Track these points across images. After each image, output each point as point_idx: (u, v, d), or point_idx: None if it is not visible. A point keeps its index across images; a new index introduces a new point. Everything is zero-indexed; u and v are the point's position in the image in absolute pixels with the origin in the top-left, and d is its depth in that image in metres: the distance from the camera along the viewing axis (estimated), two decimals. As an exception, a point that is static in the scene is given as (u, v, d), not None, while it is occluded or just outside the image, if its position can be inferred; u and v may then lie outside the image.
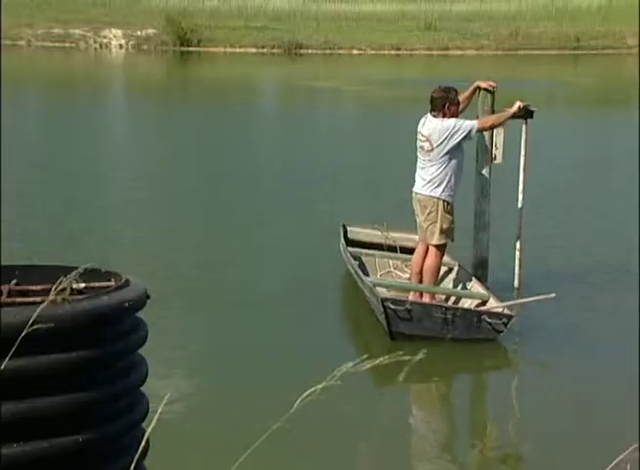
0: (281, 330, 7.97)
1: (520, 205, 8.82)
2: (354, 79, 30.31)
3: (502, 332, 7.48)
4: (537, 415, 6.55)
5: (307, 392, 2.55)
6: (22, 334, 2.74)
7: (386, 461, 5.76)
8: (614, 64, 39.19)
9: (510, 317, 7.48)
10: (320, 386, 2.53)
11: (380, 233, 9.50)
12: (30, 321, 2.77)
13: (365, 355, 2.60)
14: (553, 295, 7.74)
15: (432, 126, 7.88)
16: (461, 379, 7.52)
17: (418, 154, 8.03)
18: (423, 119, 8.05)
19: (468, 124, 7.95)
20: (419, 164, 8.03)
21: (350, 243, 9.36)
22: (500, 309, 7.61)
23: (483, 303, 7.88)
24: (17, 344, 2.77)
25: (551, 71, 35.41)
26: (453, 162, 7.91)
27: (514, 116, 8.36)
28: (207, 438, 5.90)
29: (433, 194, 7.90)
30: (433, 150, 7.86)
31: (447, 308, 7.60)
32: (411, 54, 40.71)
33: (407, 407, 6.87)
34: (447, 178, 7.88)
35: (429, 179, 7.91)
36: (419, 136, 7.99)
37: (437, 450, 6.19)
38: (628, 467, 3.16)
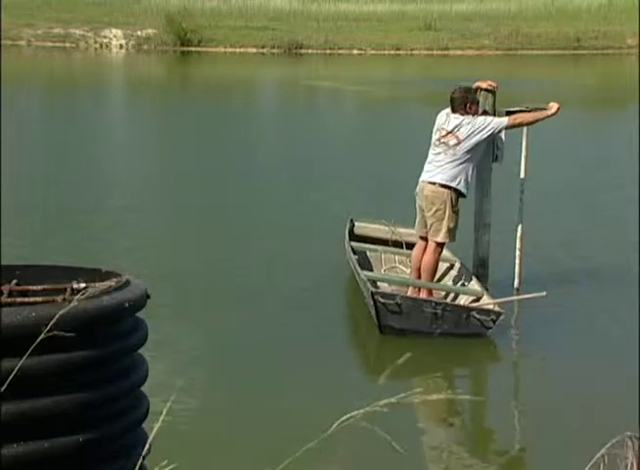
0: (281, 325, 8.00)
1: (520, 205, 8.82)
2: (354, 79, 30.31)
3: (490, 328, 7.52)
4: (534, 411, 6.56)
5: (345, 416, 2.55)
6: (28, 334, 2.74)
7: (386, 460, 5.76)
8: (614, 64, 39.20)
9: (499, 314, 7.52)
10: (362, 411, 2.54)
11: (387, 228, 9.52)
12: (33, 322, 2.77)
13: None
14: (544, 293, 7.80)
15: (459, 122, 7.92)
16: (456, 376, 7.54)
17: (436, 149, 8.02)
18: (444, 116, 8.07)
19: (498, 121, 8.03)
20: (434, 158, 8.02)
21: (357, 238, 9.39)
22: (491, 306, 7.65)
23: (478, 299, 7.92)
24: (16, 344, 2.77)
25: (551, 71, 35.42)
26: (474, 158, 7.99)
27: (549, 116, 8.33)
28: (201, 440, 5.90)
29: (449, 183, 7.90)
30: (459, 144, 7.88)
31: (437, 303, 7.62)
32: (411, 54, 40.72)
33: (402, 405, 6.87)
34: (465, 172, 7.94)
35: (446, 170, 7.92)
36: (440, 132, 8.00)
37: (438, 448, 6.19)
38: (606, 459, 3.15)
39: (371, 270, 8.86)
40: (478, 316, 7.51)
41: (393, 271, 9.07)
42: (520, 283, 8.80)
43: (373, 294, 7.50)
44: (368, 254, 9.22)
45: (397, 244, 9.34)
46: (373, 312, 7.61)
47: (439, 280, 8.69)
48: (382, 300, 7.48)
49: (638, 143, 15.75)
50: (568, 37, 42.47)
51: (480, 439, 6.46)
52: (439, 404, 6.93)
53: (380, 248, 9.28)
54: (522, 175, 8.81)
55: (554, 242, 10.58)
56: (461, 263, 8.75)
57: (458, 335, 7.53)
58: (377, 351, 7.81)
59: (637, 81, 25.65)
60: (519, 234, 8.82)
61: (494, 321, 7.50)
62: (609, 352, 7.61)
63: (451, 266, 8.80)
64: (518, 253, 8.81)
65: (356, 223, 9.70)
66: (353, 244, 9.10)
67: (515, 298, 8.18)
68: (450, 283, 8.63)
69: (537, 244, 9.95)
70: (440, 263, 8.75)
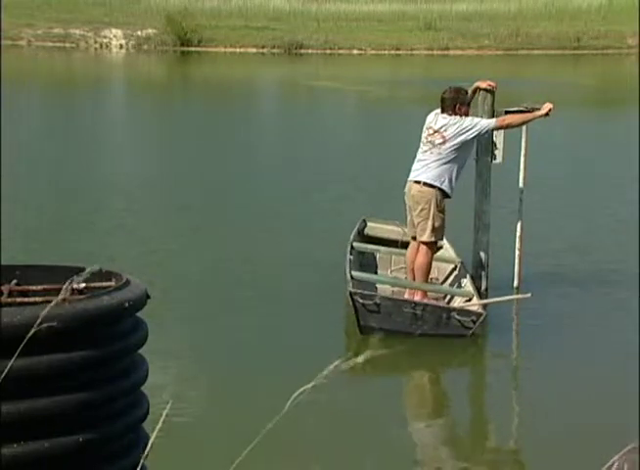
0: (280, 326, 8.01)
1: (520, 205, 8.83)
2: (354, 79, 30.31)
3: (471, 329, 7.52)
4: (526, 413, 6.57)
5: (297, 391, 2.55)
6: (29, 334, 2.74)
7: (370, 458, 5.77)
8: (614, 64, 39.20)
9: (479, 315, 7.53)
10: (310, 385, 2.54)
11: (399, 229, 9.49)
12: (37, 322, 2.77)
13: (349, 353, 2.60)
14: (529, 294, 7.81)
15: (446, 122, 7.91)
16: (442, 375, 7.55)
17: (423, 147, 8.02)
18: (433, 116, 8.06)
19: (485, 122, 8.01)
20: (420, 157, 8.03)
21: (368, 238, 9.38)
22: (474, 307, 7.65)
23: (469, 300, 7.92)
24: (16, 344, 2.77)
25: (551, 71, 35.41)
26: (460, 158, 7.96)
27: (539, 117, 8.28)
28: (202, 440, 5.91)
29: (433, 183, 7.89)
30: (444, 143, 7.87)
31: (417, 304, 7.64)
32: (411, 54, 40.72)
33: (391, 401, 6.89)
34: (450, 172, 7.91)
35: (430, 169, 7.91)
36: (428, 131, 7.99)
37: (420, 445, 6.23)
38: (626, 467, 3.15)
39: (376, 272, 8.86)
40: (458, 317, 7.53)
41: (401, 272, 9.06)
42: (519, 283, 8.80)
43: (352, 294, 7.52)
44: (376, 254, 9.21)
45: (407, 245, 9.32)
46: (353, 312, 7.62)
47: (442, 281, 8.69)
48: (361, 300, 7.50)
49: (638, 143, 15.74)
50: (568, 37, 42.47)
51: (457, 435, 6.47)
52: (421, 402, 6.95)
53: (388, 249, 9.26)
54: (521, 175, 8.80)
55: (553, 242, 10.58)
56: (462, 264, 8.74)
57: (439, 336, 7.55)
58: (361, 350, 7.79)
59: (637, 81, 25.65)
60: (518, 234, 8.83)
61: (475, 322, 7.51)
62: (608, 353, 7.61)
63: (455, 267, 8.79)
64: (517, 253, 8.82)
65: (368, 223, 9.69)
66: (361, 244, 9.09)
67: (500, 299, 8.15)
68: (448, 284, 8.63)
69: (537, 244, 9.95)
70: (444, 264, 8.75)
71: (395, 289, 8.29)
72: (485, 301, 7.92)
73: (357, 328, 7.56)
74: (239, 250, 10.23)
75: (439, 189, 7.92)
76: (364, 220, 9.68)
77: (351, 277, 7.94)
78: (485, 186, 8.69)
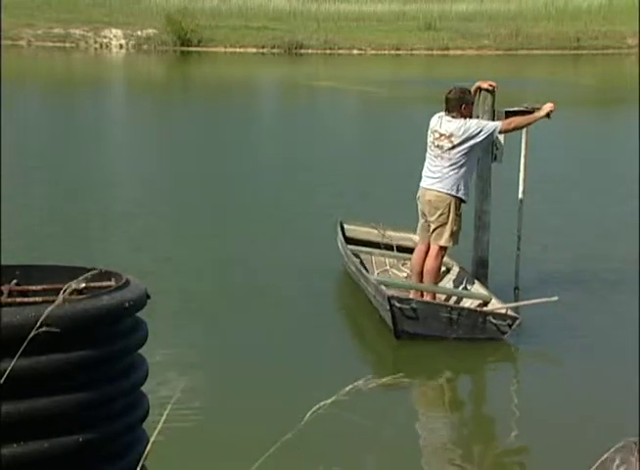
0: (281, 326, 7.98)
1: (520, 205, 8.82)
2: (354, 79, 30.31)
3: (506, 333, 7.48)
4: (543, 416, 6.55)
5: (317, 406, 2.56)
6: (30, 335, 2.74)
7: (392, 461, 5.76)
8: (614, 64, 39.20)
9: (515, 319, 7.48)
10: (330, 400, 2.55)
11: (376, 231, 9.51)
12: (38, 323, 2.77)
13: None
14: (556, 298, 7.73)
15: (452, 125, 7.85)
16: (467, 378, 7.53)
17: (431, 152, 7.98)
18: (437, 119, 8.01)
19: (491, 125, 7.95)
20: (431, 163, 7.98)
21: (347, 241, 9.36)
22: (505, 310, 7.61)
23: (485, 303, 7.88)
24: (16, 344, 2.77)
25: (551, 71, 35.42)
26: (471, 161, 7.92)
27: (542, 118, 8.27)
28: (211, 445, 5.90)
29: (450, 192, 7.86)
30: (453, 148, 7.82)
31: (453, 308, 7.59)
32: (411, 54, 40.72)
33: (413, 407, 6.88)
34: (464, 177, 7.88)
35: (445, 178, 7.86)
36: (434, 135, 7.94)
37: (444, 451, 6.19)
38: (616, 464, 3.15)
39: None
40: (494, 321, 7.46)
41: (386, 274, 9.04)
42: (519, 284, 8.79)
43: (390, 298, 7.45)
44: (360, 256, 9.20)
45: (388, 247, 9.33)
46: (388, 317, 7.54)
47: (439, 283, 8.66)
48: (398, 304, 7.43)
49: (638, 143, 15.74)
50: (568, 37, 42.51)
51: (476, 438, 6.45)
52: (445, 402, 6.94)
53: (371, 250, 9.26)
54: (521, 175, 8.80)
55: (554, 242, 10.58)
56: (460, 266, 8.71)
57: (473, 340, 7.51)
58: (391, 354, 7.73)
59: (637, 81, 25.66)
60: (518, 235, 8.82)
61: (510, 326, 7.46)
62: (610, 352, 7.60)
63: (448, 270, 8.75)
64: (517, 253, 8.81)
65: (345, 226, 9.66)
66: (356, 248, 9.07)
67: (529, 302, 8.07)
68: (451, 286, 8.59)
69: (537, 244, 9.95)
70: None
71: (394, 291, 8.24)
72: (514, 304, 7.86)
73: (393, 333, 7.51)
74: (238, 250, 10.22)
75: (456, 197, 7.90)
76: (341, 223, 9.65)
77: (379, 282, 7.91)
78: (485, 186, 8.68)
